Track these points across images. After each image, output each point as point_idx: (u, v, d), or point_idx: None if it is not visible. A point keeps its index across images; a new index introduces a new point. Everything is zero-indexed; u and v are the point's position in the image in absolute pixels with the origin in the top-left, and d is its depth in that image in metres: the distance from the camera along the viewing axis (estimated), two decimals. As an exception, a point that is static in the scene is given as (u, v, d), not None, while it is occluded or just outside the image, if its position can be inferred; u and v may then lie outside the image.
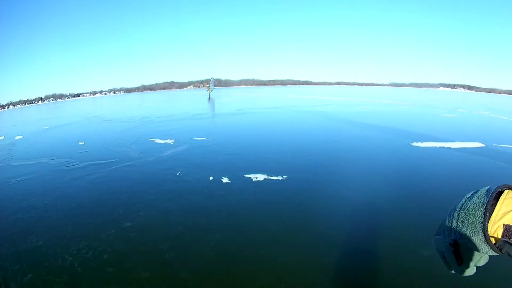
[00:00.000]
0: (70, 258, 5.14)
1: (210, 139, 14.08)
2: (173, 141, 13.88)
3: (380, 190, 7.43)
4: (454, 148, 12.39)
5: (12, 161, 13.87)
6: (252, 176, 8.34)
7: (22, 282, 4.65)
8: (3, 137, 25.09)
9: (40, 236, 5.99)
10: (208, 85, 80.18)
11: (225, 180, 8.14)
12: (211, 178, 8.36)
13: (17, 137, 22.79)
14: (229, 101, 49.29)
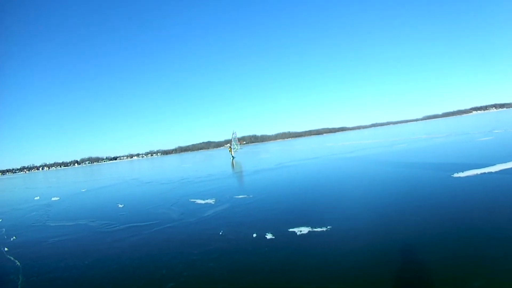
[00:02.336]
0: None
1: (251, 196, 13.97)
2: (214, 200, 13.83)
3: (429, 229, 7.07)
4: (495, 172, 12.05)
5: (48, 221, 14.27)
6: (296, 229, 8.17)
7: None
8: (38, 197, 26.35)
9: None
10: (229, 144, 55.86)
11: (269, 236, 7.98)
12: (254, 235, 8.22)
13: (53, 198, 23.61)
14: (267, 156, 49.40)
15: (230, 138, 54.48)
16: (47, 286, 6.73)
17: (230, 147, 53.70)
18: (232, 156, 51.56)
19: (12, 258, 9.05)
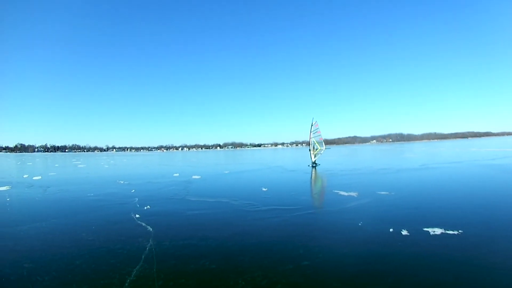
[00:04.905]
0: (243, 283, 6.00)
1: (393, 193, 14.82)
2: (356, 194, 14.89)
3: None
4: None
5: (188, 196, 16.13)
6: (430, 229, 8.81)
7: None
8: (177, 174, 29.44)
9: (214, 261, 7.14)
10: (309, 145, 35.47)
11: (404, 232, 8.70)
12: (391, 230, 8.98)
13: (194, 177, 26.31)
14: (412, 156, 50.75)
15: (309, 131, 34.68)
16: (179, 251, 7.86)
17: (312, 147, 35.05)
18: (313, 163, 34.97)
19: (143, 224, 10.47)
